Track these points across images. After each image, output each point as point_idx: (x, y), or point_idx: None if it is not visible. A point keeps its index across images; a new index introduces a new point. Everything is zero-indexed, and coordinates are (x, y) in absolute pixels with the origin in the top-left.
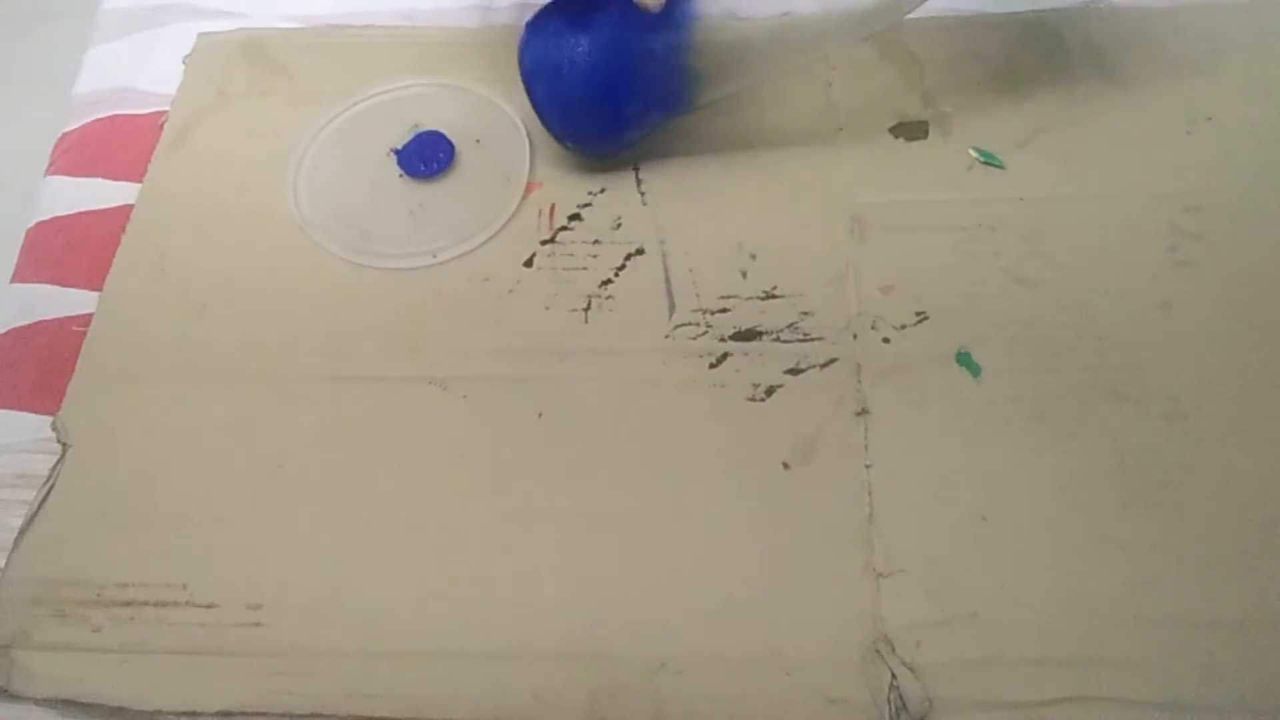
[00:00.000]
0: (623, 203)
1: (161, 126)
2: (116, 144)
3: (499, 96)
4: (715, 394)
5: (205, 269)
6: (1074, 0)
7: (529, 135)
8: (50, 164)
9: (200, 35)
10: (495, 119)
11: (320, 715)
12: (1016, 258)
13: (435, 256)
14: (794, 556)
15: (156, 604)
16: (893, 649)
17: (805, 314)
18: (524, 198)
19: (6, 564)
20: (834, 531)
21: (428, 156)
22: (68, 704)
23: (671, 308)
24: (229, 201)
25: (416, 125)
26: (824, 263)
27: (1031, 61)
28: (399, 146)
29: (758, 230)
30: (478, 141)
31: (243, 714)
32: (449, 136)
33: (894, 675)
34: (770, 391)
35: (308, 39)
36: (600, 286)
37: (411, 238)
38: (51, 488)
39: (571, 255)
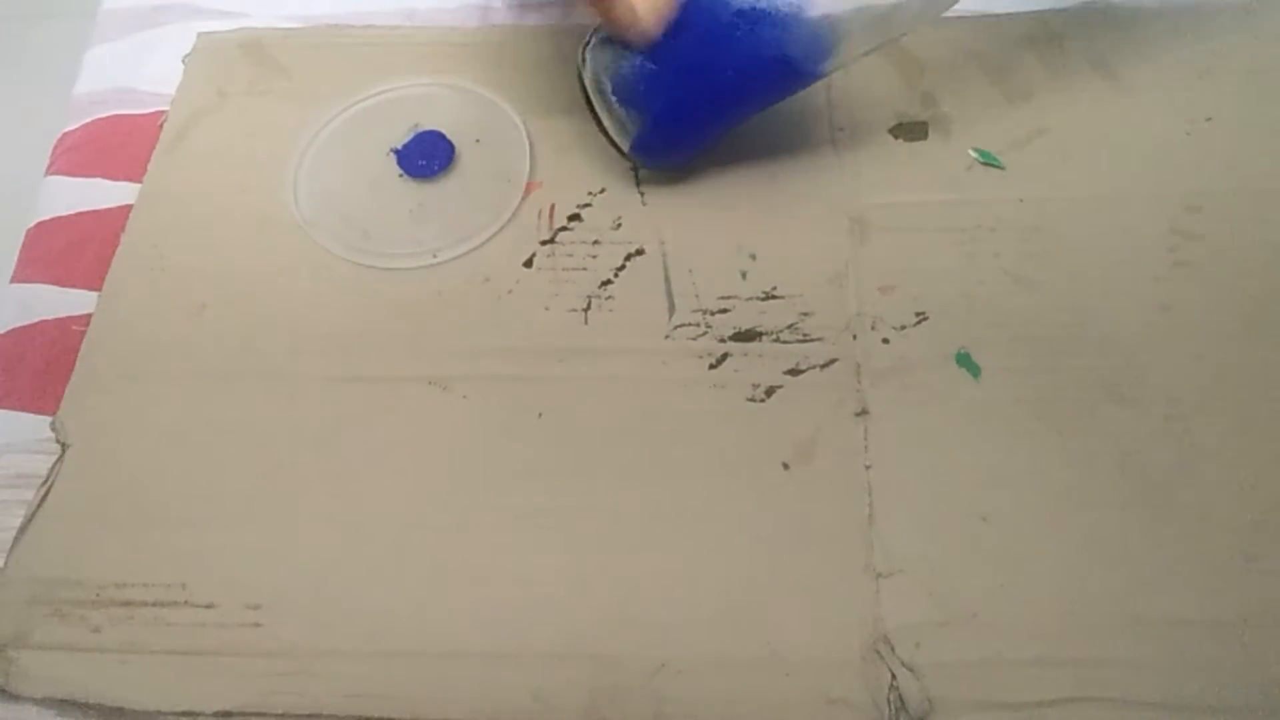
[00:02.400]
0: (623, 203)
1: (161, 126)
2: (116, 144)
3: (499, 96)
4: (715, 394)
5: (205, 269)
6: (1074, 0)
7: (529, 135)
8: (50, 164)
9: (200, 35)
10: (495, 119)
11: (320, 715)
12: (1016, 258)
13: (435, 256)
14: (794, 556)
15: (155, 604)
16: (892, 649)
17: (805, 314)
18: (524, 198)
19: (5, 564)
20: (834, 532)
21: (428, 156)
22: (66, 704)
23: (671, 308)
24: (229, 201)
25: (416, 125)
26: (824, 263)
27: (1031, 61)
28: (399, 146)
29: (757, 230)
30: (478, 141)
31: (242, 714)
32: (449, 136)
33: (894, 675)
34: (770, 392)
35: (308, 39)
36: (600, 287)
37: (411, 237)
38: (50, 488)
39: (571, 255)
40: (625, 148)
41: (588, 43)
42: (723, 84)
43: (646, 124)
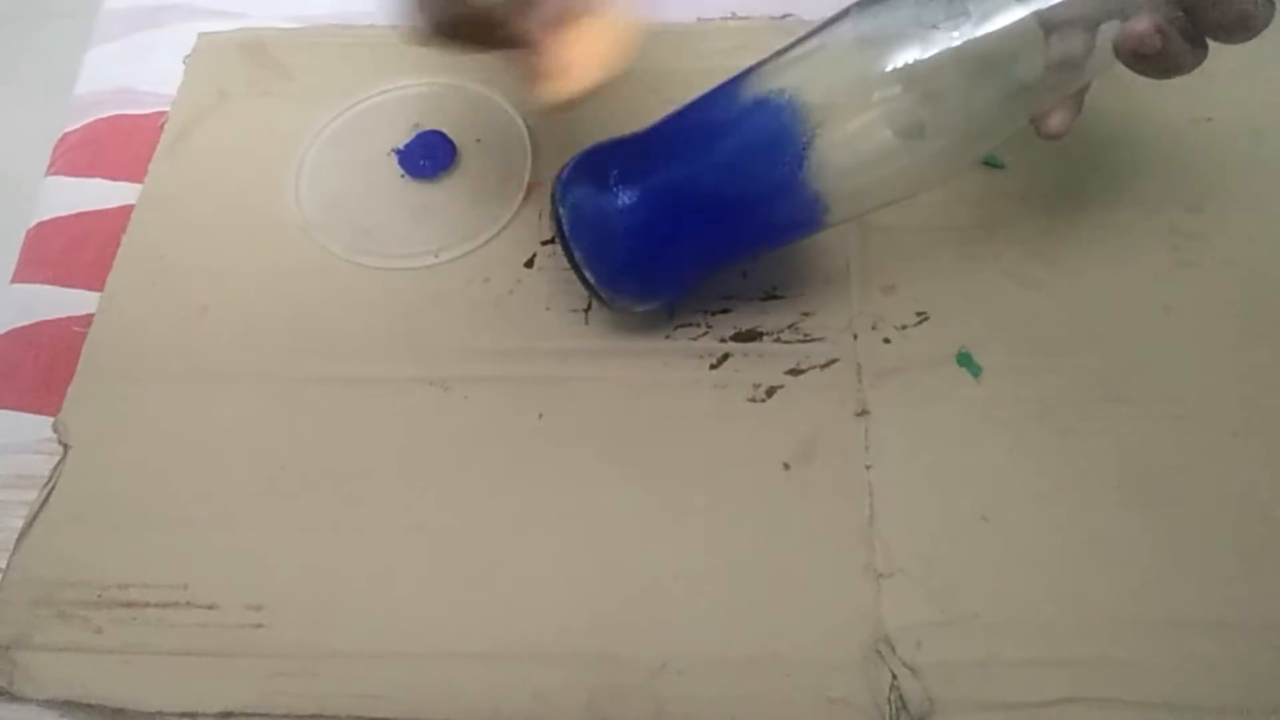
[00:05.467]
0: None
1: (162, 127)
2: (116, 144)
3: (500, 96)
4: (716, 394)
5: (206, 269)
6: None
7: (530, 135)
8: (50, 164)
9: (200, 35)
10: (497, 118)
11: (321, 716)
12: (1017, 258)
13: (437, 256)
14: (794, 557)
15: (158, 605)
16: (893, 649)
17: (806, 314)
18: (525, 197)
19: (7, 565)
20: (834, 532)
21: (429, 156)
22: (69, 705)
23: (672, 308)
24: (230, 202)
25: (417, 125)
26: (825, 263)
27: None
28: (400, 146)
29: None
30: (479, 141)
31: (244, 715)
32: (450, 136)
33: (894, 676)
34: (771, 392)
35: (308, 39)
36: None
37: (413, 237)
38: (52, 489)
39: None
40: (597, 289)
41: (561, 176)
42: (700, 237)
43: (615, 268)
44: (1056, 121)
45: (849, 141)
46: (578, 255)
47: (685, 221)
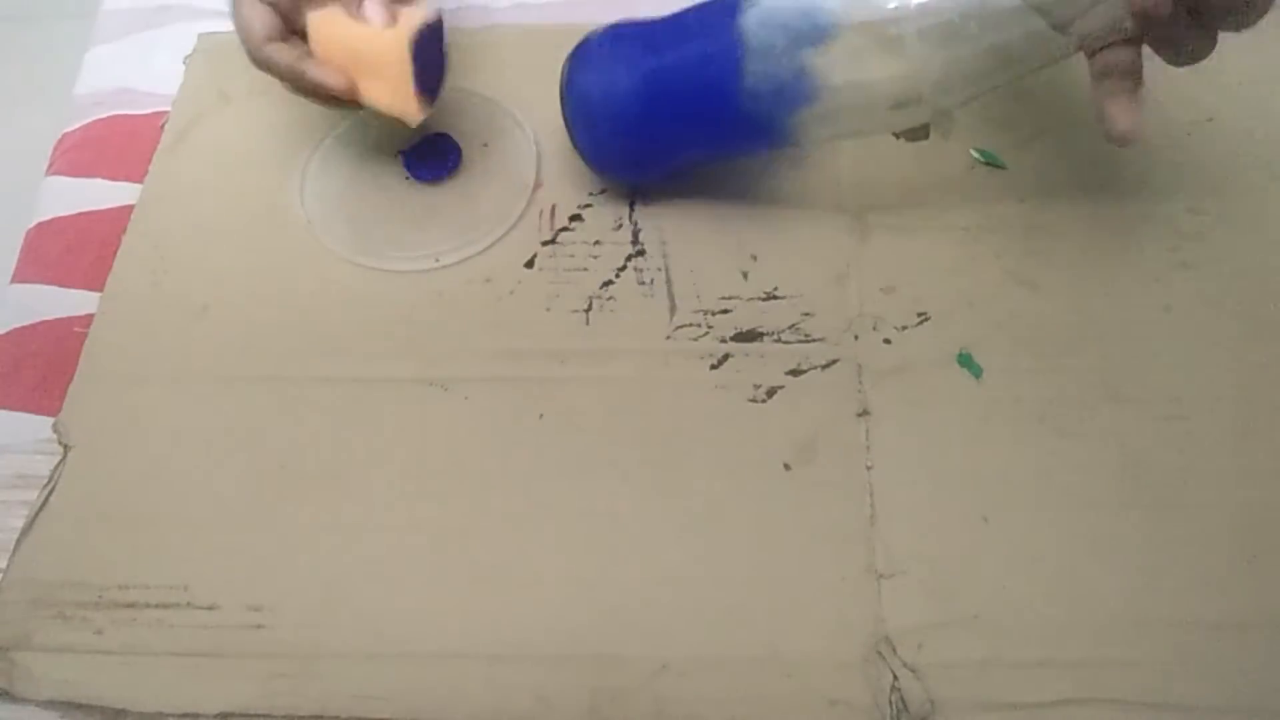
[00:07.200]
0: (623, 203)
1: (162, 127)
2: (117, 144)
3: (507, 100)
4: (716, 395)
5: (206, 270)
6: None
7: (536, 140)
8: (50, 164)
9: (201, 35)
10: (502, 122)
11: (322, 717)
12: (1017, 258)
13: (438, 260)
14: (795, 557)
15: (158, 606)
16: (894, 650)
17: (806, 315)
18: (529, 204)
19: (8, 566)
20: (835, 532)
21: (435, 159)
22: (69, 706)
23: (673, 308)
24: (230, 202)
25: (424, 127)
26: (825, 263)
27: None
28: (406, 149)
29: (759, 230)
30: (485, 145)
31: (244, 715)
32: (456, 140)
33: (895, 676)
34: (771, 392)
35: None
36: (601, 287)
37: (416, 240)
38: (53, 489)
39: (573, 256)
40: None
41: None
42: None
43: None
44: (1124, 123)
45: (841, 51)
46: (578, 137)
47: (677, 103)
